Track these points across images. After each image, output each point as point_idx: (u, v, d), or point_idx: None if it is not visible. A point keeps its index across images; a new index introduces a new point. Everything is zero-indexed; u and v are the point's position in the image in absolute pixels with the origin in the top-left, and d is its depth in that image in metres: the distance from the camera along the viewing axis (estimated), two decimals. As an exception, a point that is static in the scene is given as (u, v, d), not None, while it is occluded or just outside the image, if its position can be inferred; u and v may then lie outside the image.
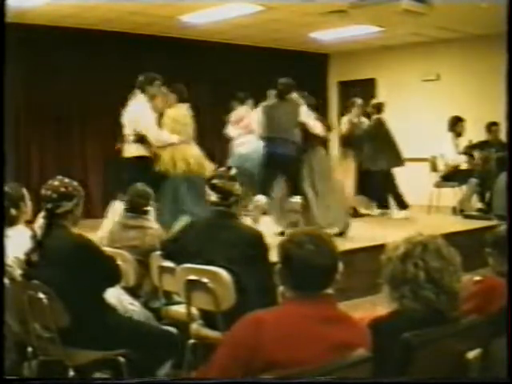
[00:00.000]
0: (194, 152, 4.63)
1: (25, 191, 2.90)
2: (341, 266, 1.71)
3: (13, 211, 2.76)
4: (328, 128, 5.76)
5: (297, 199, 5.06)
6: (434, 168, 6.86)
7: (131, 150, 4.50)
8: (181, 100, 4.72)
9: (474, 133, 6.68)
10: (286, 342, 1.58)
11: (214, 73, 7.22)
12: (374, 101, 6.94)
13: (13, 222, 2.74)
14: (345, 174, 6.32)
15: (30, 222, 2.86)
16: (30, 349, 2.51)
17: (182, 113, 4.66)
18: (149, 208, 3.33)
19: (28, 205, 2.88)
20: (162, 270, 2.99)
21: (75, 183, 2.58)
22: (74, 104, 6.72)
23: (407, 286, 1.74)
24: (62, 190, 2.50)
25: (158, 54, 6.86)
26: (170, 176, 4.51)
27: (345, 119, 6.73)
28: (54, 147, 6.65)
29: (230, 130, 6.03)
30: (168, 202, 4.46)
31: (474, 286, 2.13)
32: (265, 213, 5.29)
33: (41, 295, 2.35)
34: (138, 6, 5.72)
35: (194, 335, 2.76)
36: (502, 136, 6.26)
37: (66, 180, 2.56)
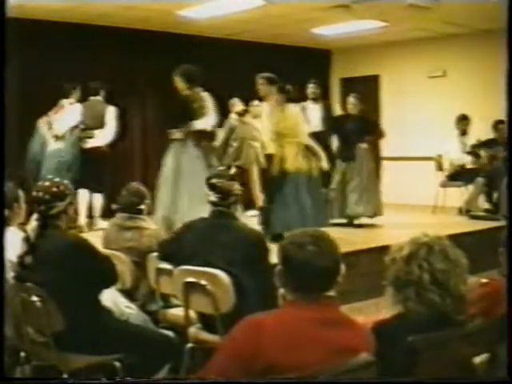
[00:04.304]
0: None
1: (20, 192, 2.86)
2: (343, 267, 1.68)
3: (5, 212, 2.71)
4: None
5: None
6: (440, 167, 6.80)
7: None
8: None
9: (481, 131, 6.60)
10: (286, 345, 1.55)
11: (212, 69, 7.16)
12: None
13: (5, 223, 2.68)
14: None
15: (22, 224, 2.81)
16: (22, 353, 2.49)
17: None
18: (143, 207, 3.28)
19: (22, 207, 2.84)
20: (160, 271, 2.96)
21: (66, 182, 2.55)
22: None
23: (411, 288, 1.73)
24: (54, 190, 2.48)
25: (156, 48, 6.84)
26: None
27: None
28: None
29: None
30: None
31: (479, 289, 2.10)
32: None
33: (34, 298, 2.33)
34: (136, 0, 5.70)
35: (192, 339, 2.73)
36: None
37: (57, 180, 2.53)
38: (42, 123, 5.69)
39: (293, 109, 5.08)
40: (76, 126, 5.64)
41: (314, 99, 6.40)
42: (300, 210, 4.86)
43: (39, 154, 5.55)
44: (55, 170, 5.29)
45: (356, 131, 5.82)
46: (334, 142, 6.03)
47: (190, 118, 4.73)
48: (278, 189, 4.93)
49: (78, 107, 5.69)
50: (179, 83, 4.77)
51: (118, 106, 5.83)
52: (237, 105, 6.72)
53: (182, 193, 4.66)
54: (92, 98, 5.78)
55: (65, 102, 5.73)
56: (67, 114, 5.67)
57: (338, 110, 6.92)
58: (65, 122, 5.65)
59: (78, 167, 5.54)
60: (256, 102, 6.30)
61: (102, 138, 5.72)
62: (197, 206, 4.48)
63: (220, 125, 5.74)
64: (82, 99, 5.77)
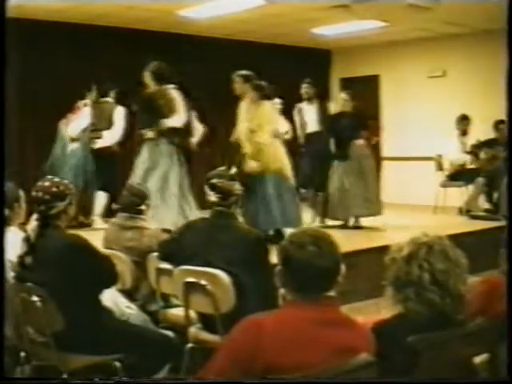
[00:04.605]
0: None
1: (21, 193, 2.85)
2: (343, 267, 1.67)
3: (6, 212, 2.71)
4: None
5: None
6: (440, 167, 6.79)
7: None
8: None
9: (481, 131, 6.59)
10: (286, 345, 1.55)
11: (211, 68, 7.18)
12: None
13: (5, 223, 2.68)
14: None
15: (23, 224, 2.81)
16: (23, 353, 2.49)
17: None
18: (143, 207, 3.28)
19: (23, 206, 2.84)
20: (160, 271, 2.96)
21: (66, 181, 2.54)
22: (71, 101, 6.67)
23: (411, 289, 1.73)
24: (54, 190, 2.47)
25: (156, 48, 6.84)
26: None
27: None
28: (51, 146, 6.60)
29: None
30: None
31: (478, 287, 2.10)
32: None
33: (34, 298, 2.32)
34: (137, 0, 5.70)
35: (192, 339, 2.73)
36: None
37: (57, 179, 2.52)
38: (62, 125, 5.76)
39: (266, 106, 4.94)
40: (87, 128, 5.69)
41: (309, 99, 6.23)
42: (266, 209, 4.73)
43: (60, 156, 5.63)
44: (72, 172, 5.40)
45: (350, 128, 5.64)
46: (331, 142, 5.88)
47: (159, 116, 4.72)
48: (252, 188, 4.83)
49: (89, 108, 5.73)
50: (148, 80, 4.78)
51: (128, 106, 5.79)
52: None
53: (153, 193, 4.66)
54: (101, 99, 5.80)
55: (81, 103, 5.77)
56: (81, 116, 5.73)
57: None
58: (79, 124, 5.71)
59: (90, 168, 5.60)
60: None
61: (110, 137, 5.75)
62: (173, 206, 4.49)
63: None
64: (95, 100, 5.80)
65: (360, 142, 5.73)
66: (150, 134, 4.77)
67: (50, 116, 6.30)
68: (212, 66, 7.22)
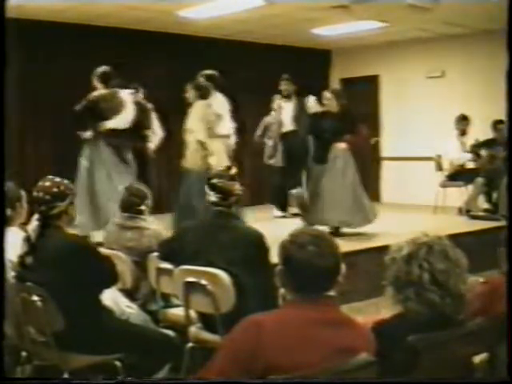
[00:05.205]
0: None
1: (23, 192, 2.86)
2: (343, 267, 1.67)
3: (8, 212, 2.71)
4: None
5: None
6: (439, 167, 6.79)
7: None
8: None
9: (480, 131, 6.60)
10: (286, 345, 1.55)
11: (211, 69, 7.16)
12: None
13: (7, 223, 2.68)
14: None
15: (24, 224, 2.81)
16: (23, 353, 2.49)
17: None
18: (143, 208, 3.28)
19: (24, 206, 2.84)
20: (160, 271, 2.96)
21: (66, 182, 2.54)
22: (71, 101, 6.66)
23: (411, 288, 1.72)
24: (55, 190, 2.47)
25: (156, 49, 6.83)
26: None
27: None
28: (51, 146, 6.60)
29: None
30: None
31: (478, 287, 2.10)
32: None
33: (35, 298, 2.32)
34: (137, 1, 5.69)
35: (192, 338, 2.73)
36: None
37: (58, 179, 2.51)
38: None
39: (197, 105, 4.83)
40: None
41: (287, 96, 5.82)
42: (190, 209, 4.57)
43: None
44: None
45: (332, 130, 5.09)
46: (311, 143, 5.43)
47: (100, 118, 4.81)
48: (180, 187, 4.84)
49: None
50: (96, 83, 4.88)
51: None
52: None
53: (99, 194, 4.67)
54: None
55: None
56: None
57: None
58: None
59: None
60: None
61: None
62: (113, 207, 4.47)
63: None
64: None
65: (342, 145, 5.15)
66: (87, 135, 4.88)
67: (50, 116, 6.33)
68: (212, 67, 7.22)
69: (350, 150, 5.20)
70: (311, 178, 5.28)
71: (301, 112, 5.79)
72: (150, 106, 5.39)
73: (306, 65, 7.82)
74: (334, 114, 5.18)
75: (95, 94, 4.88)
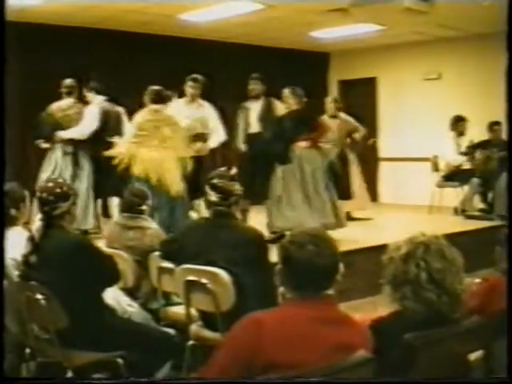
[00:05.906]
0: None
1: (26, 193, 2.88)
2: (341, 266, 1.70)
3: (12, 212, 2.74)
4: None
5: None
6: (436, 168, 6.83)
7: None
8: None
9: (476, 132, 6.65)
10: (286, 343, 1.56)
11: (211, 72, 7.19)
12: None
13: (11, 223, 2.72)
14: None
15: (27, 224, 2.84)
16: (28, 350, 2.50)
17: None
18: (145, 208, 3.31)
19: (28, 206, 2.86)
20: (161, 270, 2.97)
21: (69, 182, 2.57)
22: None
23: (408, 287, 1.74)
24: (58, 190, 2.49)
25: (157, 52, 6.83)
26: None
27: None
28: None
29: None
30: None
31: (476, 286, 2.12)
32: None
33: (38, 296, 2.34)
34: (137, 4, 5.70)
35: (193, 336, 2.75)
36: (504, 135, 6.23)
37: (60, 180, 2.54)
38: None
39: (167, 110, 4.75)
40: None
41: (256, 97, 5.39)
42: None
43: None
44: None
45: (292, 129, 4.83)
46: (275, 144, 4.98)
47: (56, 128, 5.09)
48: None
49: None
50: (63, 94, 5.17)
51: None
52: None
53: None
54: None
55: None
56: None
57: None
58: None
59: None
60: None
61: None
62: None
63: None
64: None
65: (302, 143, 4.86)
66: (43, 144, 5.22)
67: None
68: (211, 70, 7.25)
69: (312, 147, 4.89)
70: (274, 179, 4.93)
71: (267, 113, 5.44)
72: (121, 110, 5.45)
73: (305, 67, 7.85)
74: (293, 113, 4.95)
75: (53, 105, 5.16)
